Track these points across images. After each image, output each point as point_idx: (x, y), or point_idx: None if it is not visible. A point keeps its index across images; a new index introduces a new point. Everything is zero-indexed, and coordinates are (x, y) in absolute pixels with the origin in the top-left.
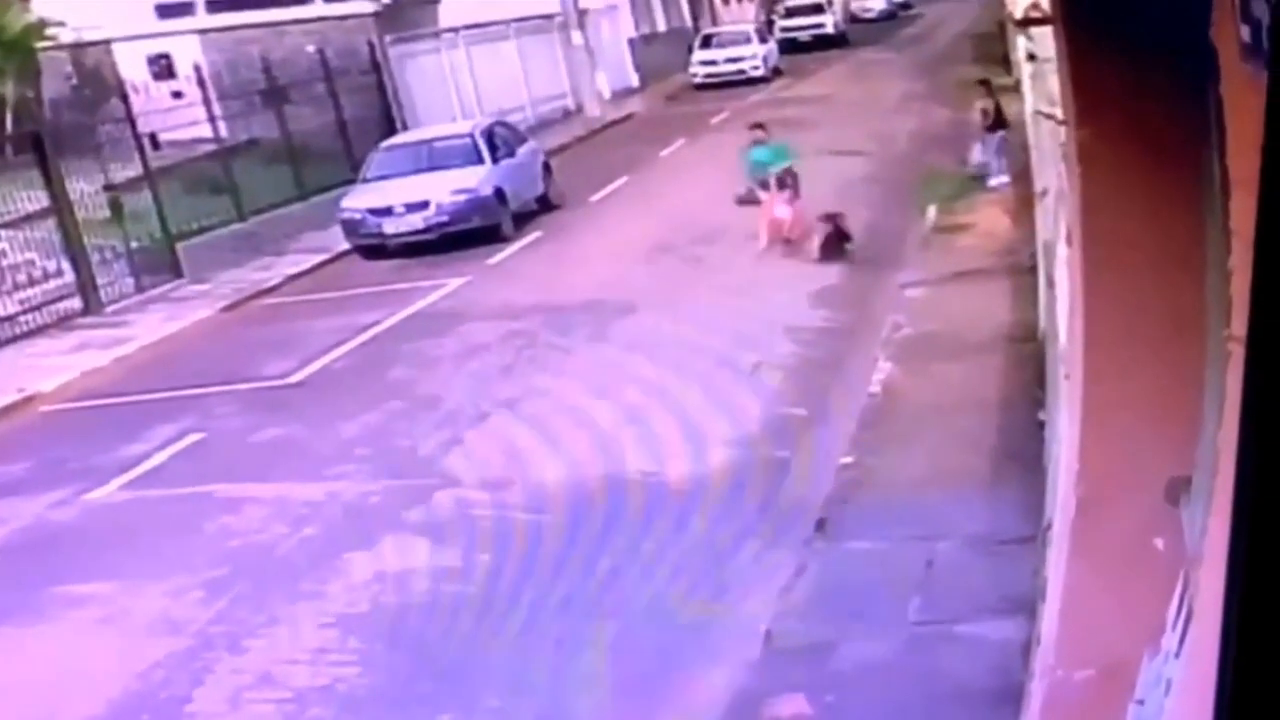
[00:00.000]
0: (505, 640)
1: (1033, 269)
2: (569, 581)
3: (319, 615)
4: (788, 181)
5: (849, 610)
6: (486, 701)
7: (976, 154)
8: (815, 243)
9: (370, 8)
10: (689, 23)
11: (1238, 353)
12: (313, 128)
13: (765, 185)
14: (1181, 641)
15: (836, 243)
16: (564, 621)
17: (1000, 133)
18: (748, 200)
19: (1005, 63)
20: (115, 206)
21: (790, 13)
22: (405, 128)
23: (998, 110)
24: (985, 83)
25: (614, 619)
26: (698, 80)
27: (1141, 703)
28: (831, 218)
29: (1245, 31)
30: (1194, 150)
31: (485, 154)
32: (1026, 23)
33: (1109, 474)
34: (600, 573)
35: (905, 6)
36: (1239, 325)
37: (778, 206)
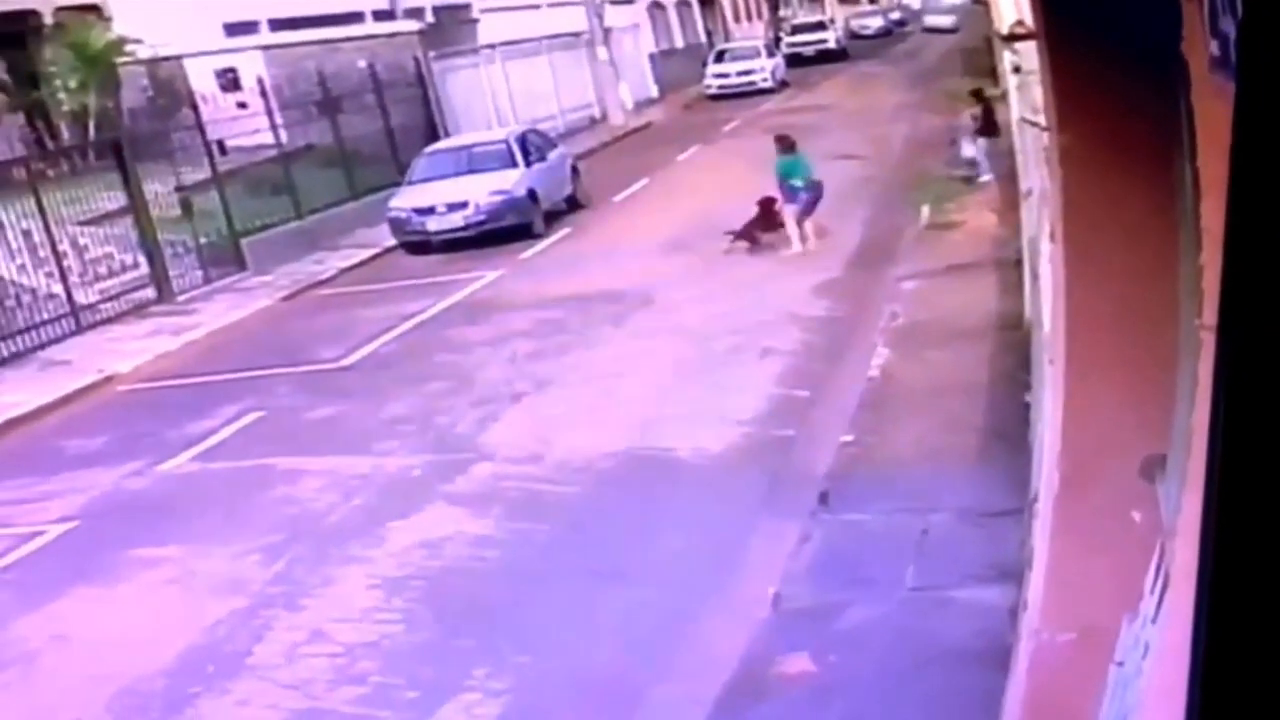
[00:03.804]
0: (535, 601)
1: (1018, 263)
2: (594, 547)
3: (367, 577)
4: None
5: (850, 576)
6: (517, 658)
7: (967, 149)
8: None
9: (416, 26)
10: (704, 39)
11: (1209, 340)
12: (363, 135)
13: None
14: (1158, 607)
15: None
16: (590, 584)
17: (983, 138)
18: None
19: (993, 75)
20: (186, 206)
21: (796, 30)
22: (447, 135)
23: (988, 116)
24: (977, 92)
25: (635, 582)
26: (712, 91)
27: (1121, 664)
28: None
29: (1214, 45)
30: (1167, 154)
31: (519, 158)
32: (1012, 38)
33: (1090, 452)
34: (623, 539)
35: (900, 24)
36: (1210, 315)
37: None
